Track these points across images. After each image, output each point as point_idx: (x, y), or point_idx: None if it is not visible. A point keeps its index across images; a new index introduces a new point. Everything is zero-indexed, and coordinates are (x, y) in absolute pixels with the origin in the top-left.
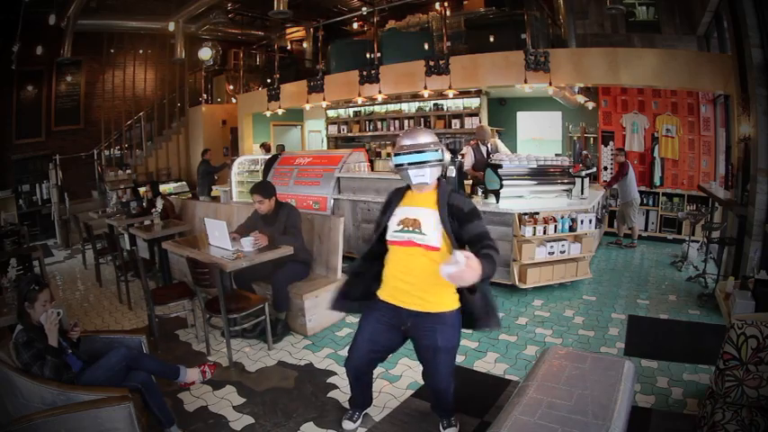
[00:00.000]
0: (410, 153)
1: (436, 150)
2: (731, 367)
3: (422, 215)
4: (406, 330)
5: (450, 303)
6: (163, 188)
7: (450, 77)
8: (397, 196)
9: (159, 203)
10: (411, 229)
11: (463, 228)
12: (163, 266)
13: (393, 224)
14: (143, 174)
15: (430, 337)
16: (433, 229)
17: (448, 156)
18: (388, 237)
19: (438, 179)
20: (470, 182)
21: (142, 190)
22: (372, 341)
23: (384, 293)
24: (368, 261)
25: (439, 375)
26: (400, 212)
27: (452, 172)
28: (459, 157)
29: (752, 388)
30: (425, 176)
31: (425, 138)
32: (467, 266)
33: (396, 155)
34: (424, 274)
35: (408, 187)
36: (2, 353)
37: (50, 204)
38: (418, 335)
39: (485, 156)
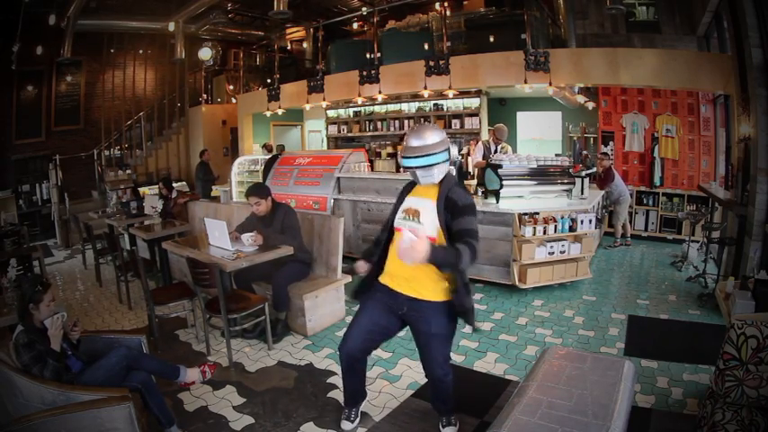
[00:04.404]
0: (417, 157)
1: (444, 151)
2: (731, 367)
3: (422, 205)
4: (403, 315)
5: (444, 293)
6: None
7: (450, 77)
8: (407, 188)
9: (174, 193)
10: (411, 217)
11: (453, 220)
12: (163, 266)
13: (399, 212)
14: (143, 174)
15: (425, 323)
16: (430, 218)
17: (455, 151)
18: (395, 224)
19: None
20: (474, 181)
21: (143, 190)
22: (371, 323)
23: (384, 278)
24: (378, 246)
25: (434, 362)
26: (407, 202)
27: (452, 172)
28: (459, 156)
29: (752, 388)
30: (433, 176)
31: (432, 137)
32: (411, 247)
33: (404, 157)
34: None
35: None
36: (2, 353)
37: (50, 204)
38: (414, 320)
39: (492, 153)
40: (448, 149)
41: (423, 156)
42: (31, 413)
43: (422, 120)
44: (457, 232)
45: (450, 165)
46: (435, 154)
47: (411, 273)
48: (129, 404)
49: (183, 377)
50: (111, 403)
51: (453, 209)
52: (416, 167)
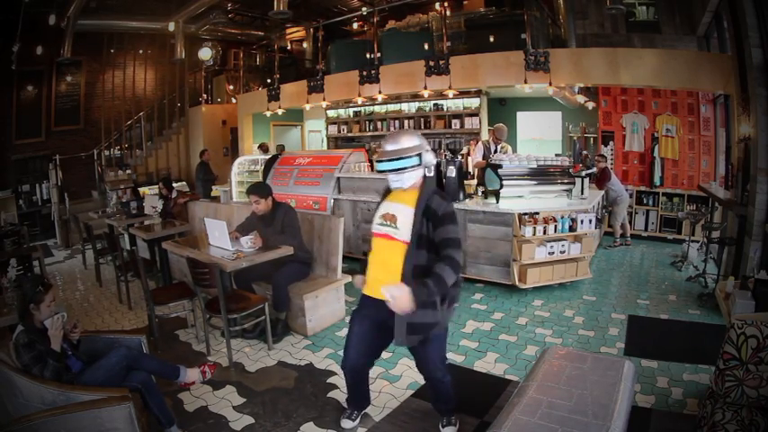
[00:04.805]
0: (389, 160)
1: (415, 156)
2: (731, 367)
3: (399, 211)
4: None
5: None
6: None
7: (450, 77)
8: (386, 192)
9: (174, 193)
10: (388, 222)
11: (435, 230)
12: (163, 266)
13: (377, 217)
14: (143, 174)
15: None
16: (406, 225)
17: (429, 156)
18: (372, 228)
19: (423, 177)
20: (474, 181)
21: (143, 190)
22: (363, 339)
23: (367, 289)
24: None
25: (431, 364)
26: (384, 207)
27: (452, 172)
28: (459, 157)
29: (752, 388)
30: (402, 182)
31: (408, 141)
32: (394, 303)
33: (377, 161)
34: (397, 267)
35: None
36: (2, 353)
37: (50, 204)
38: None
39: (492, 153)
40: (419, 155)
41: (393, 159)
42: (31, 413)
43: (422, 120)
44: (439, 242)
45: (447, 169)
46: (405, 158)
47: (388, 278)
48: (129, 404)
49: (183, 377)
50: (111, 403)
51: (434, 218)
52: (387, 171)
